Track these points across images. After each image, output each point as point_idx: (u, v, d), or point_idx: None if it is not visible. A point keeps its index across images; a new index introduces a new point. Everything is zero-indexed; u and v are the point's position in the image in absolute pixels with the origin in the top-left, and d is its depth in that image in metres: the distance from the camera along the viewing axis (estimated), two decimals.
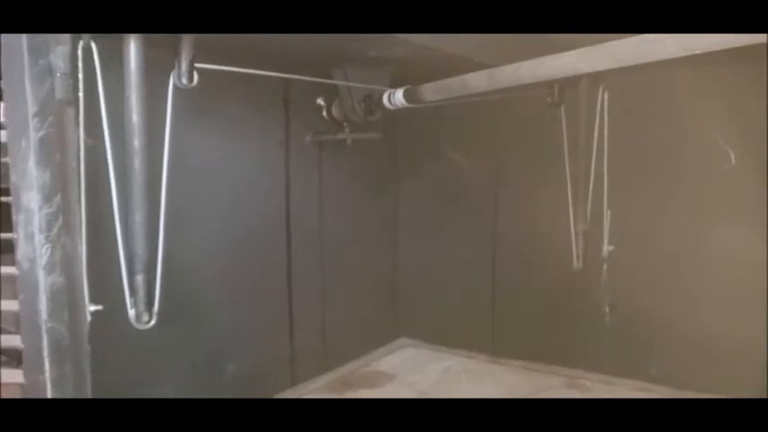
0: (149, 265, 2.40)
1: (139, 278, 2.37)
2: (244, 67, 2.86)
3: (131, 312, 2.39)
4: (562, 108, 3.69)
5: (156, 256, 2.47)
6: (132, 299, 2.39)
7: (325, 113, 3.79)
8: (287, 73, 3.18)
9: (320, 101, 3.78)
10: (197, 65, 2.50)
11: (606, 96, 3.60)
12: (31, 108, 1.91)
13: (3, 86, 1.91)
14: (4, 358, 3.15)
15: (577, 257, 3.77)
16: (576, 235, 3.75)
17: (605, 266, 3.70)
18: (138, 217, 2.35)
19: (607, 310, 3.71)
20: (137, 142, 2.31)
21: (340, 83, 3.50)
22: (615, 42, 2.20)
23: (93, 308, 2.21)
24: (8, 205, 2.00)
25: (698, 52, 1.99)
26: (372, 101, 3.58)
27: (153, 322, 2.43)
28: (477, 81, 2.85)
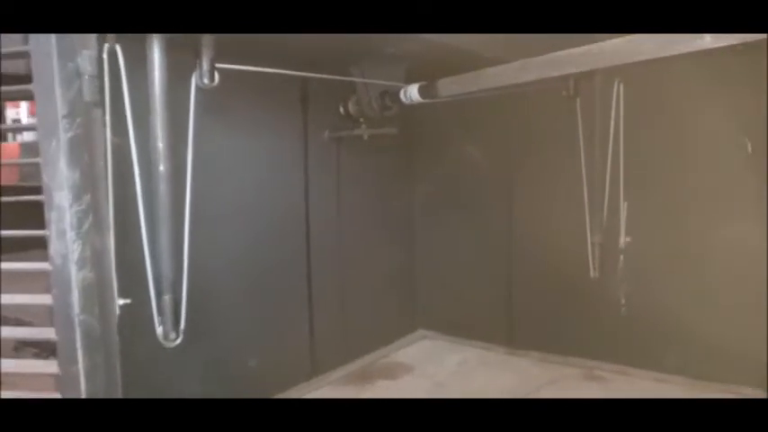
0: (176, 284, 2.49)
1: (167, 298, 2.47)
2: (262, 66, 2.92)
3: (159, 330, 2.49)
4: (577, 101, 3.71)
5: (182, 276, 2.55)
6: (160, 317, 2.48)
7: (342, 110, 3.85)
8: (304, 71, 3.25)
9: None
10: (218, 65, 2.58)
11: (621, 89, 3.61)
12: (61, 110, 1.98)
13: (34, 89, 1.99)
14: (34, 350, 3.26)
15: (594, 267, 3.79)
16: (593, 245, 3.77)
17: (621, 258, 3.71)
18: (165, 239, 2.45)
19: (623, 301, 3.73)
20: (161, 144, 2.39)
21: (357, 79, 3.55)
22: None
23: (121, 301, 2.29)
24: (36, 203, 2.10)
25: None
26: (388, 96, 3.63)
27: (179, 340, 2.53)
28: (492, 76, 2.89)
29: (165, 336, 2.51)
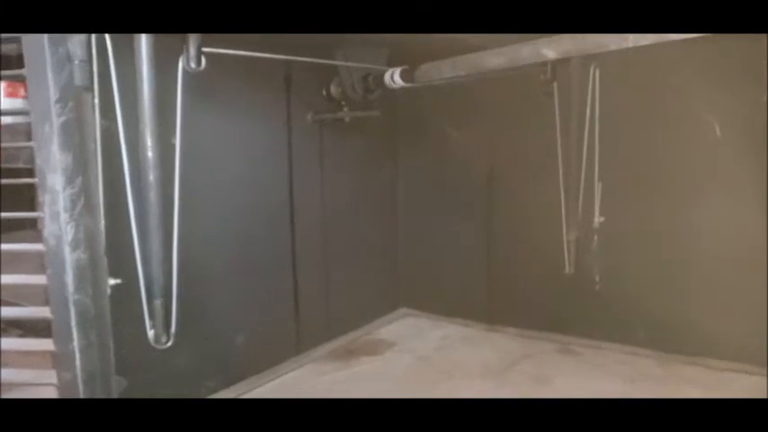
0: (166, 289, 2.59)
1: (158, 302, 2.56)
2: (247, 50, 2.97)
3: (150, 333, 2.59)
4: (554, 85, 3.80)
5: (172, 279, 2.64)
6: (151, 321, 2.58)
7: (324, 93, 3.90)
8: (288, 54, 3.29)
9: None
10: (204, 49, 2.62)
11: (597, 73, 3.71)
12: (53, 95, 2.02)
13: (26, 74, 2.03)
14: (18, 331, 3.30)
15: (569, 263, 3.94)
16: (569, 243, 3.91)
17: (596, 237, 3.85)
18: (156, 245, 2.54)
19: (597, 278, 3.88)
20: (148, 128, 2.46)
21: (340, 63, 3.60)
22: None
23: (112, 281, 2.36)
24: (27, 185, 2.14)
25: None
26: (371, 80, 3.69)
27: (170, 343, 2.63)
28: (471, 63, 2.98)
29: (157, 339, 2.60)
